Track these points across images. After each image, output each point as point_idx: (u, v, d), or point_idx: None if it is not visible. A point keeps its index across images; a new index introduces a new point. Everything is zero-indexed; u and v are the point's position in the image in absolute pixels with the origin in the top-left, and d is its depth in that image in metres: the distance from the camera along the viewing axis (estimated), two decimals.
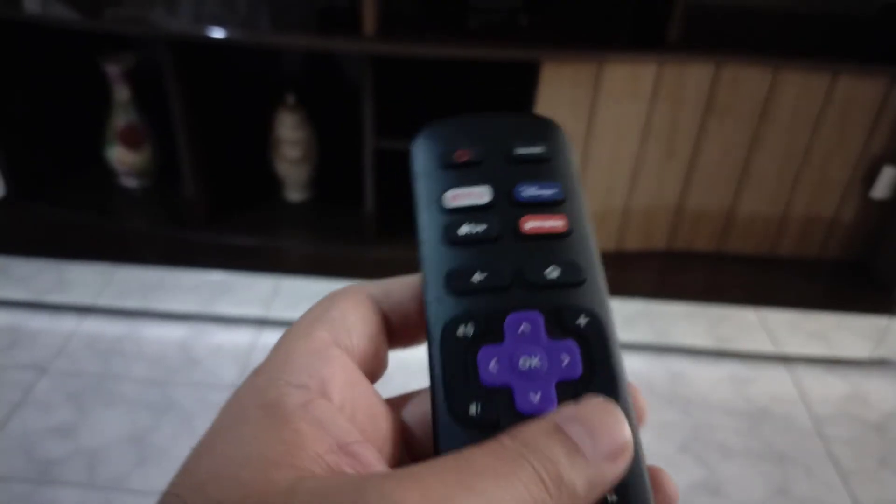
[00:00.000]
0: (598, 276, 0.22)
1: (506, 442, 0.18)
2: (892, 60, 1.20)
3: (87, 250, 1.32)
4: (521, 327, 0.21)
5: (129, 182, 1.42)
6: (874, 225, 1.34)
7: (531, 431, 0.18)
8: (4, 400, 1.17)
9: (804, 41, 1.28)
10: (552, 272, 0.22)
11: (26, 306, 1.33)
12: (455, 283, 0.22)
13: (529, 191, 0.24)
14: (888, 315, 1.29)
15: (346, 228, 1.37)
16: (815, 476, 1.13)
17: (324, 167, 1.42)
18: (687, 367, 1.31)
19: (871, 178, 1.29)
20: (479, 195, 0.24)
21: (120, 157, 1.37)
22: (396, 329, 0.23)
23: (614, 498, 0.19)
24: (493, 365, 0.20)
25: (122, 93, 1.33)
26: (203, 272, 1.31)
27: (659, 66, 1.17)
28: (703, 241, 1.37)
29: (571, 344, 0.21)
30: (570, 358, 0.21)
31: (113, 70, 1.30)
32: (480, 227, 0.23)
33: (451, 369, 0.21)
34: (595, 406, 0.19)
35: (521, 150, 0.25)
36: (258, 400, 0.19)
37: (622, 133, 1.24)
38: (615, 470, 0.18)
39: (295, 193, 1.43)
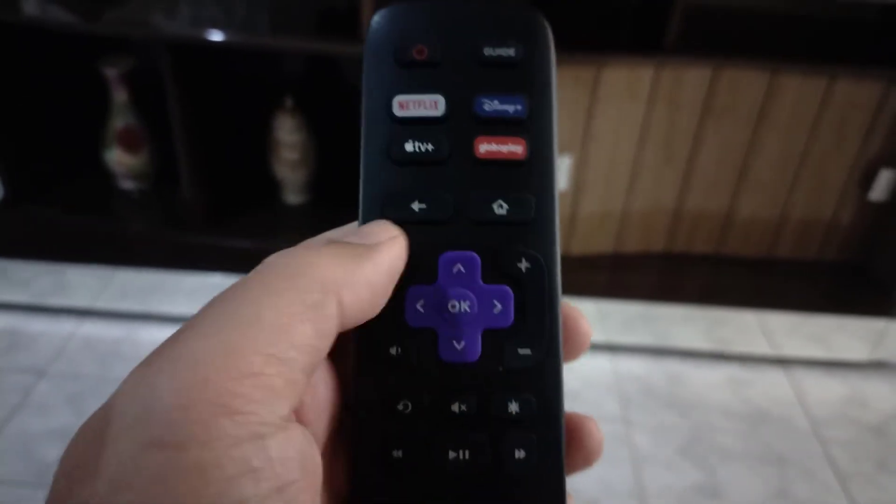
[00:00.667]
0: (551, 214, 0.20)
1: None
2: (890, 63, 1.20)
3: (86, 253, 1.32)
4: (456, 268, 0.19)
5: (128, 185, 1.42)
6: (872, 227, 1.34)
7: None
8: (3, 403, 1.17)
9: (802, 44, 1.28)
10: (499, 207, 0.20)
11: (25, 309, 1.33)
12: (392, 211, 0.20)
13: (491, 104, 0.21)
14: (886, 317, 1.29)
15: None
16: (813, 478, 1.13)
17: (322, 170, 1.42)
18: (685, 369, 1.31)
19: (868, 180, 1.29)
20: (432, 105, 0.20)
21: (119, 159, 1.37)
22: None
23: (522, 455, 0.18)
24: (420, 305, 0.19)
25: (120, 95, 1.33)
26: (202, 275, 1.31)
27: (657, 68, 1.18)
28: (701, 243, 1.37)
29: (506, 290, 0.19)
30: (501, 306, 0.19)
31: (111, 73, 1.30)
32: (429, 146, 0.20)
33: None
34: None
35: (489, 51, 0.21)
36: None
37: (620, 136, 1.24)
38: None
39: (293, 196, 1.43)
